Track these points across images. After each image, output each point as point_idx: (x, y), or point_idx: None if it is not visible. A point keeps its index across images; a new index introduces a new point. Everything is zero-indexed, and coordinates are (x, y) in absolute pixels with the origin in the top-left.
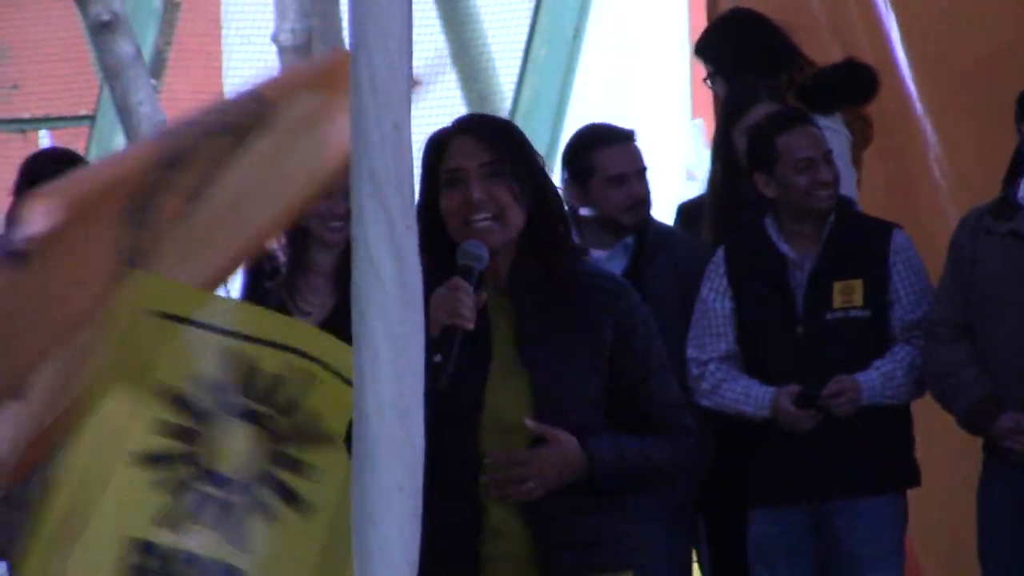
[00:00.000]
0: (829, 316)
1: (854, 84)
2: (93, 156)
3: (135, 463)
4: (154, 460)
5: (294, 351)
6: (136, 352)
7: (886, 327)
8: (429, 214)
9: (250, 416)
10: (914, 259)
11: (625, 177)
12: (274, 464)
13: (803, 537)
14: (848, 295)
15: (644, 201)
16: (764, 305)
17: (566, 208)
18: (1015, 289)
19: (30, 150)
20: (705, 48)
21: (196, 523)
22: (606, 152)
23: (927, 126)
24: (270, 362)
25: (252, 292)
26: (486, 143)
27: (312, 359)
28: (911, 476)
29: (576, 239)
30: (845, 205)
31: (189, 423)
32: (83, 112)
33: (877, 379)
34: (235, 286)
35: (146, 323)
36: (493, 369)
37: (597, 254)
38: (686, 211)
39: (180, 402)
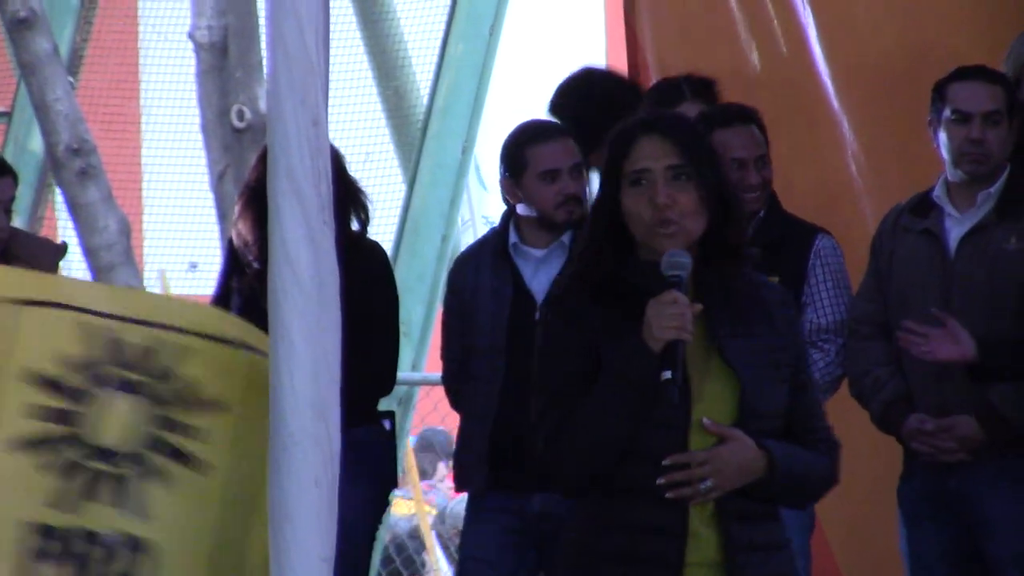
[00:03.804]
0: None
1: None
2: (10, 153)
3: (14, 449)
4: (34, 444)
5: (160, 326)
6: None
7: None
8: (610, 210)
9: (127, 386)
10: (834, 264)
11: (557, 173)
12: (162, 429)
13: None
14: None
15: (577, 197)
16: None
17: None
18: (927, 288)
19: None
20: (557, 108)
21: (92, 500)
22: (538, 148)
23: (844, 124)
24: (135, 335)
25: (224, 289)
26: (674, 144)
27: (182, 331)
28: None
29: (516, 238)
30: (776, 204)
31: (64, 404)
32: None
33: None
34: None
35: None
36: (691, 374)
37: (535, 252)
38: None
39: (50, 384)
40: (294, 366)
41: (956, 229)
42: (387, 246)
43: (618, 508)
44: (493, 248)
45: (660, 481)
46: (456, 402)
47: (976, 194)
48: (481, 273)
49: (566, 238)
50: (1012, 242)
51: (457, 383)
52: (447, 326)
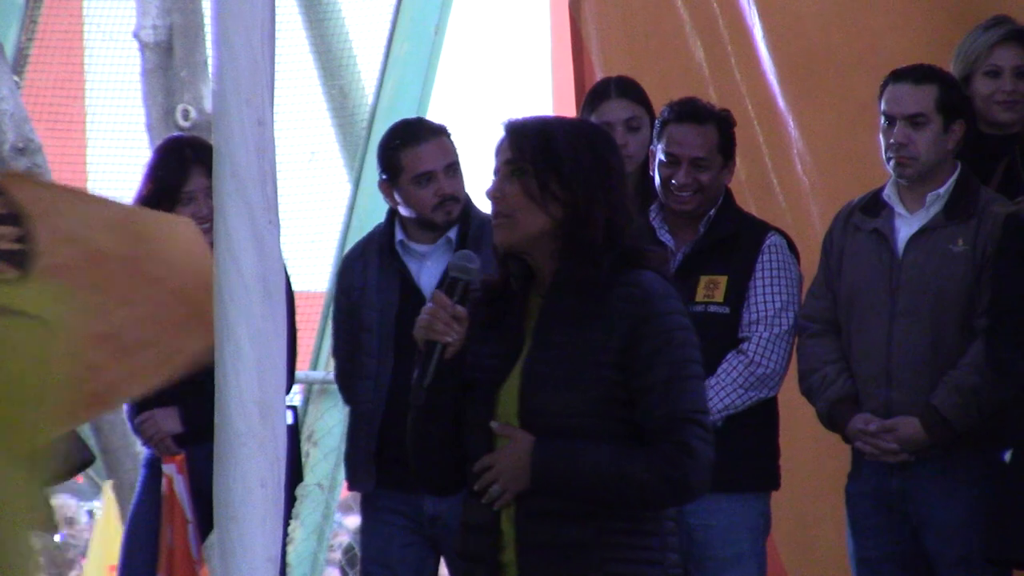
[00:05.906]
0: (690, 309)
1: None
2: None
3: None
4: None
5: None
6: None
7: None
8: None
9: None
10: (777, 260)
11: (432, 175)
12: None
13: None
14: (711, 290)
15: (454, 197)
16: None
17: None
18: (875, 288)
19: None
20: None
21: None
22: (411, 151)
23: (790, 122)
24: None
25: None
26: (511, 141)
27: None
28: (770, 479)
29: (402, 235)
30: (729, 202)
31: None
32: None
33: None
34: None
35: None
36: (512, 373)
37: (421, 249)
38: None
39: None
40: (240, 367)
41: (905, 229)
42: (333, 246)
43: (463, 506)
44: (379, 246)
45: (475, 487)
46: (350, 399)
47: (925, 195)
48: (369, 271)
49: (452, 233)
50: (959, 244)
51: (350, 380)
52: (337, 324)
